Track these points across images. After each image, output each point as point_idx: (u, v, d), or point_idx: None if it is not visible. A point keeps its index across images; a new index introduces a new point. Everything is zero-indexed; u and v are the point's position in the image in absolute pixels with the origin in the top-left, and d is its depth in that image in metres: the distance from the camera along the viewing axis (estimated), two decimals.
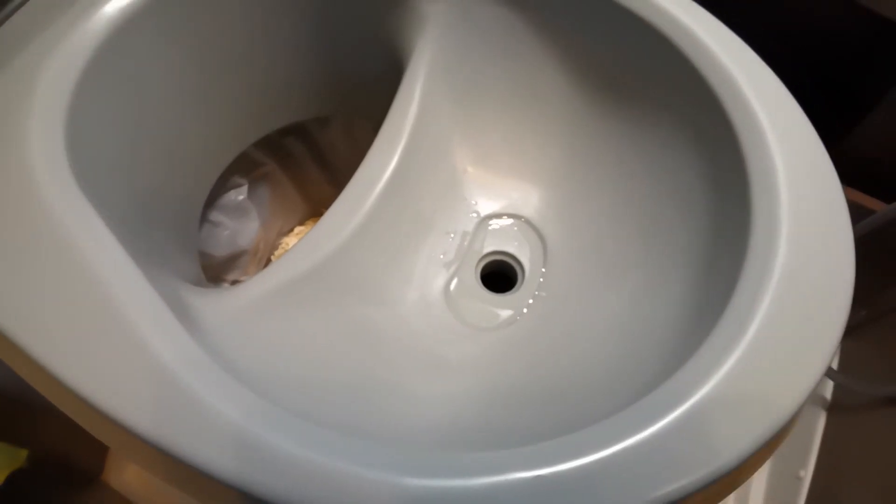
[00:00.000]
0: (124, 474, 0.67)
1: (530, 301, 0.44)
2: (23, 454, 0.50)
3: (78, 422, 0.30)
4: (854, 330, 0.74)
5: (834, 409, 0.73)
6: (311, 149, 0.62)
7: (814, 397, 0.74)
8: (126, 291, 0.28)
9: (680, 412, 0.27)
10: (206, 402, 0.26)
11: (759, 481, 0.72)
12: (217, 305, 0.35)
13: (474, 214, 0.47)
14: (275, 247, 0.64)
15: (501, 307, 0.45)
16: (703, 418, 0.27)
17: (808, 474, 0.70)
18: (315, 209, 0.68)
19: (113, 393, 0.26)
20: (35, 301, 0.27)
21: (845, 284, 0.31)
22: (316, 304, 0.39)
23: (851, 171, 0.66)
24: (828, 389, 0.74)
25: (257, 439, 0.25)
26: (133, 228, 0.36)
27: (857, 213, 0.65)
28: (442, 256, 0.46)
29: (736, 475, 0.29)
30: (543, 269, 0.45)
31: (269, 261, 0.64)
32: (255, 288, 0.37)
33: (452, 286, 0.45)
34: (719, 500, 0.31)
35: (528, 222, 0.47)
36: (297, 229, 0.67)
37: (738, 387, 0.28)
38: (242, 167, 0.55)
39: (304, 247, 0.39)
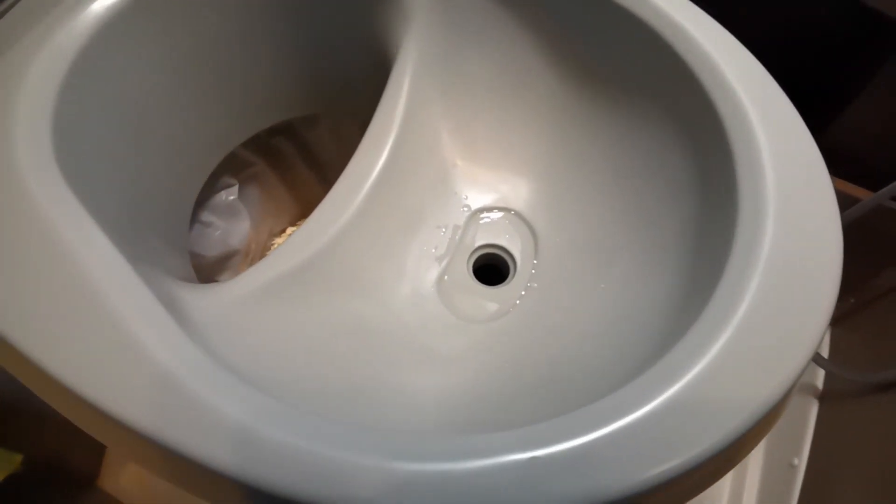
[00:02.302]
0: (120, 479, 0.67)
1: (522, 293, 0.45)
2: (18, 458, 0.50)
3: (69, 418, 0.30)
4: (843, 318, 0.75)
5: (826, 397, 0.73)
6: (299, 148, 0.62)
7: (806, 386, 0.75)
8: (116, 287, 0.28)
9: (673, 392, 0.27)
10: (197, 393, 0.26)
11: (753, 470, 0.73)
12: (208, 301, 0.35)
13: (465, 208, 0.47)
14: (266, 247, 0.64)
15: (494, 299, 0.45)
16: (696, 398, 0.27)
17: (802, 462, 0.70)
18: (305, 210, 0.68)
19: (103, 387, 0.26)
20: (22, 296, 0.27)
21: (834, 261, 0.31)
22: (307, 298, 0.39)
23: (837, 160, 0.66)
24: (819, 378, 0.75)
25: (252, 430, 0.25)
26: (124, 228, 0.36)
27: (844, 202, 0.66)
28: (434, 250, 0.46)
29: (732, 453, 0.29)
30: (535, 261, 0.46)
31: None
32: (247, 283, 0.37)
33: (444, 280, 0.45)
34: (714, 481, 0.31)
35: (518, 215, 0.47)
36: (289, 230, 0.67)
37: (730, 367, 0.28)
38: (232, 167, 0.55)
39: (294, 242, 0.39)
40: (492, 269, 0.47)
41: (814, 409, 0.73)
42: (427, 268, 0.45)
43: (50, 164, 0.31)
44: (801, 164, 0.33)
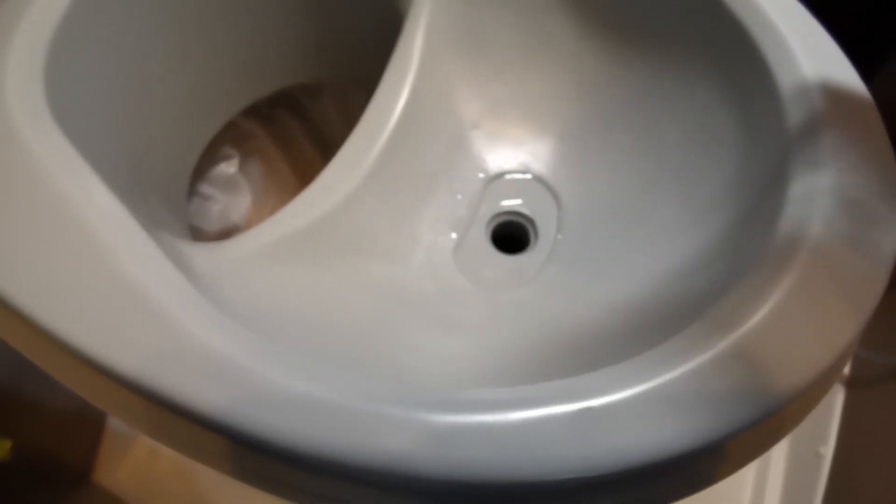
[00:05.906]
0: (116, 473, 0.64)
1: (545, 259, 0.42)
2: (7, 445, 0.47)
3: (66, 383, 0.27)
4: None
5: (852, 383, 0.70)
6: (303, 123, 0.59)
7: None
8: (120, 238, 0.25)
9: (731, 341, 0.24)
10: (209, 346, 0.23)
11: (777, 459, 0.70)
12: (214, 257, 0.32)
13: (483, 173, 0.45)
14: None
15: (514, 268, 0.42)
16: (753, 350, 0.25)
17: (828, 451, 0.67)
18: None
19: (106, 341, 0.23)
20: (14, 247, 0.25)
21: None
22: (317, 259, 0.36)
23: None
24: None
25: (267, 380, 0.22)
26: (122, 185, 0.33)
27: None
28: (449, 217, 0.43)
29: (788, 414, 0.26)
30: (558, 227, 0.43)
31: None
32: (253, 241, 0.34)
33: (462, 247, 0.42)
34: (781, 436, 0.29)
35: (539, 179, 0.44)
36: None
37: (790, 318, 0.25)
38: (233, 138, 0.53)
39: (303, 201, 0.37)
40: (512, 236, 0.44)
41: (840, 397, 0.70)
42: (443, 234, 0.42)
43: (43, 113, 0.29)
44: (852, 100, 0.31)
